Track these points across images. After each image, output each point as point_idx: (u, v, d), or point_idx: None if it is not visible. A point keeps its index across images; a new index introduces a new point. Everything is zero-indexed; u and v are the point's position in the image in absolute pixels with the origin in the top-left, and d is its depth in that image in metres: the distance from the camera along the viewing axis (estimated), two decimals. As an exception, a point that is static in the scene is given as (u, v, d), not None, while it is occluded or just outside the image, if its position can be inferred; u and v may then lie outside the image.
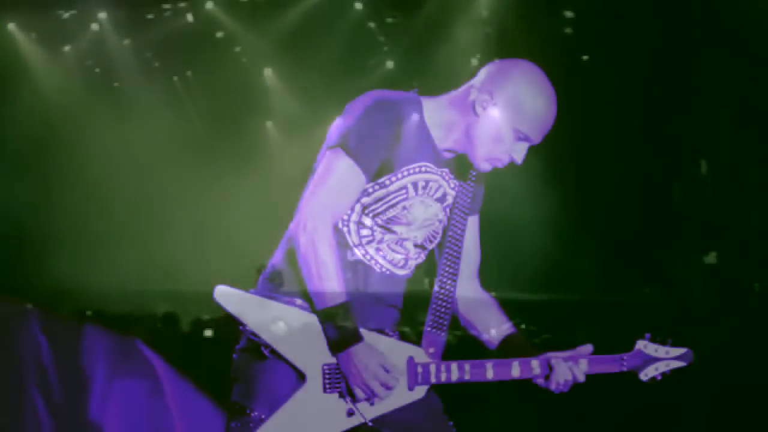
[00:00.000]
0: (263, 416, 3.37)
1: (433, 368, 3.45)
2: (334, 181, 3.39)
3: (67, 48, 15.44)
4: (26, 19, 14.90)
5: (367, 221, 3.49)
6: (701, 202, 12.17)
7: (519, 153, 3.49)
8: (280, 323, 3.37)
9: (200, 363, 7.08)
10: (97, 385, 6.46)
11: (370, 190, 3.46)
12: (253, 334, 3.42)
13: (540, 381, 3.56)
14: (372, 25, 15.05)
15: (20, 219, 14.31)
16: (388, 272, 3.55)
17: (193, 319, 10.74)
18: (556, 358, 3.54)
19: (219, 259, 13.12)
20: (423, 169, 3.50)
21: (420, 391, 3.46)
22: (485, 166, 3.52)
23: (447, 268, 3.61)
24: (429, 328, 3.52)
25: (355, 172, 3.38)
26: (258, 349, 3.42)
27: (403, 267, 3.59)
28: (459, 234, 3.64)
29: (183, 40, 15.17)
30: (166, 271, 14.09)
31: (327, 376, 3.37)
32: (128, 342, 6.85)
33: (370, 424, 3.39)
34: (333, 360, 3.36)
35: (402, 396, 3.42)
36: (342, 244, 3.46)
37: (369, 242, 3.50)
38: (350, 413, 3.38)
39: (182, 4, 15.03)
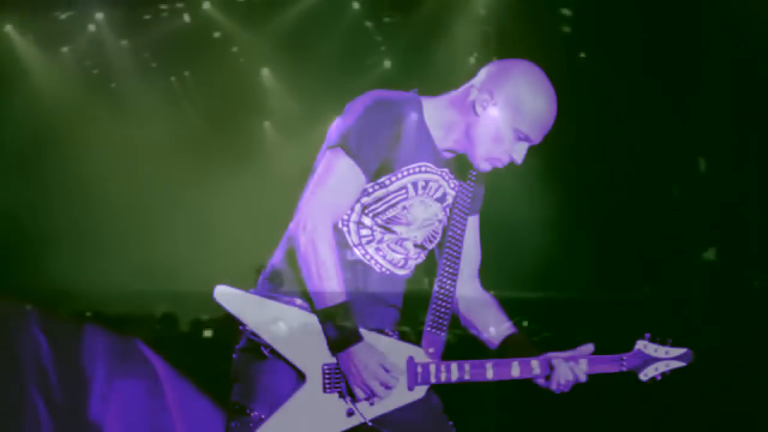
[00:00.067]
0: (263, 416, 3.37)
1: (432, 368, 3.45)
2: (334, 181, 3.39)
3: (64, 49, 15.42)
4: (23, 20, 14.88)
5: (367, 221, 3.49)
6: (700, 200, 12.17)
7: (519, 153, 3.49)
8: (280, 323, 3.37)
9: (200, 363, 7.09)
10: (97, 385, 6.46)
11: (370, 190, 3.46)
12: (253, 334, 3.42)
13: (541, 381, 3.57)
14: (369, 24, 15.05)
15: (19, 219, 14.29)
16: (387, 272, 3.55)
17: (193, 320, 10.74)
18: (557, 358, 3.54)
19: (218, 259, 13.13)
20: (423, 169, 3.50)
21: (420, 391, 3.46)
22: (485, 166, 3.52)
23: (447, 268, 3.61)
24: (429, 328, 3.52)
25: (355, 172, 3.38)
26: (258, 349, 3.42)
27: (402, 267, 3.59)
28: (459, 234, 3.64)
29: (180, 41, 15.16)
30: (165, 272, 14.08)
31: (327, 376, 3.37)
32: (128, 342, 6.85)
33: (370, 424, 3.39)
34: (333, 360, 3.36)
35: (402, 396, 3.42)
36: (342, 244, 3.46)
37: (369, 242, 3.50)
38: (350, 413, 3.38)
39: (179, 5, 15.01)
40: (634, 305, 10.18)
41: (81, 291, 11.99)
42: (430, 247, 3.65)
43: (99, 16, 15.00)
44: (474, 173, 3.63)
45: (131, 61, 15.61)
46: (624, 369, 3.58)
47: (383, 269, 3.54)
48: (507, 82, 3.44)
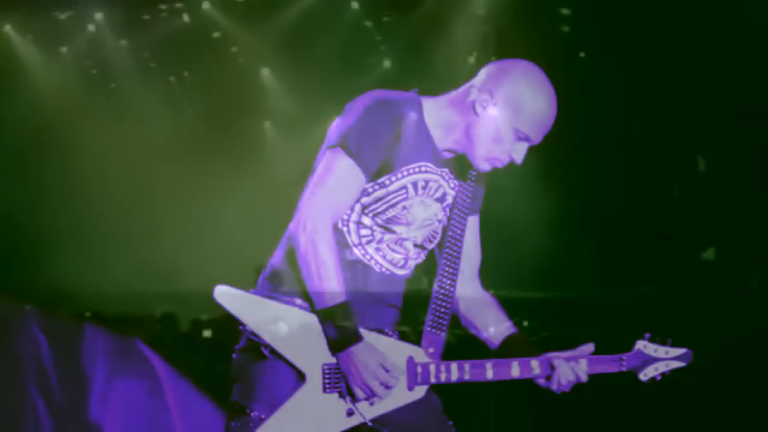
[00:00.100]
0: (263, 416, 3.37)
1: (432, 368, 3.45)
2: (334, 181, 3.39)
3: (63, 49, 15.40)
4: (22, 20, 14.88)
5: (367, 221, 3.49)
6: (699, 199, 12.17)
7: (519, 153, 3.49)
8: (279, 323, 3.37)
9: (199, 363, 7.09)
10: (97, 385, 6.46)
11: (370, 190, 3.46)
12: (253, 334, 3.42)
13: (541, 381, 3.57)
14: (369, 24, 15.04)
15: (18, 219, 14.30)
16: (387, 272, 3.55)
17: (192, 320, 10.74)
18: (557, 358, 3.55)
19: (217, 259, 13.12)
20: (423, 169, 3.50)
21: (420, 391, 3.46)
22: (485, 166, 3.52)
23: (447, 268, 3.61)
24: (429, 328, 3.52)
25: (355, 172, 3.39)
26: (258, 349, 3.42)
27: (402, 267, 3.59)
28: (459, 234, 3.64)
29: (180, 41, 15.15)
30: (165, 272, 14.08)
31: (327, 376, 3.37)
32: (128, 342, 6.85)
33: (370, 423, 3.39)
34: (333, 360, 3.36)
35: (402, 396, 3.43)
36: (342, 244, 3.47)
37: (369, 242, 3.51)
38: (350, 413, 3.38)
39: (178, 5, 15.00)
40: (633, 304, 10.18)
41: (80, 291, 12.00)
42: (430, 247, 3.65)
43: (98, 16, 14.99)
44: (474, 173, 3.63)
45: (130, 61, 15.61)
46: (624, 369, 3.58)
47: (383, 269, 3.54)
48: (507, 81, 3.44)
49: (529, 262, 12.67)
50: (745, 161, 11.48)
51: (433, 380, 3.46)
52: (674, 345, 3.59)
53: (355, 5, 14.70)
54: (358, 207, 3.48)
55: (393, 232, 3.52)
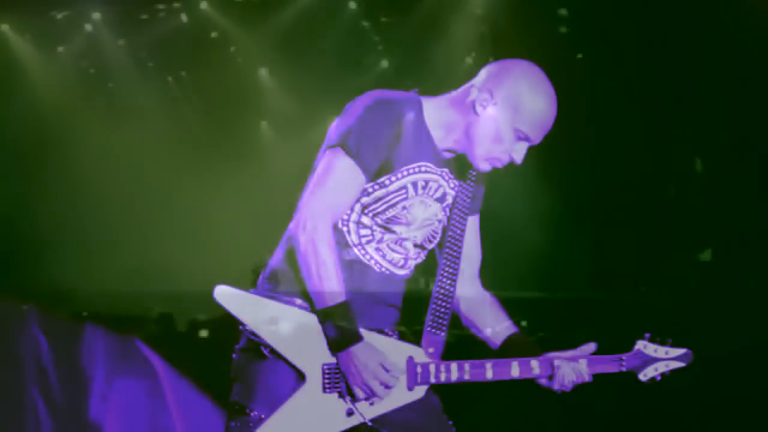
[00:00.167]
0: (263, 416, 3.38)
1: (432, 368, 3.46)
2: (333, 181, 3.39)
3: (61, 49, 15.39)
4: (20, 20, 14.86)
5: (367, 221, 3.50)
6: (696, 200, 12.18)
7: (518, 153, 3.49)
8: (279, 323, 3.37)
9: (198, 363, 7.09)
10: (97, 385, 6.47)
11: (370, 190, 3.46)
12: (253, 333, 3.42)
13: (543, 381, 3.58)
14: (366, 24, 15.04)
15: (15, 220, 14.29)
16: (387, 272, 3.55)
17: (190, 320, 10.74)
18: (557, 358, 3.55)
19: (215, 259, 13.11)
20: (423, 169, 3.51)
21: (419, 391, 3.46)
22: (484, 166, 3.52)
23: (447, 268, 3.61)
24: (429, 328, 3.52)
25: (355, 171, 3.39)
26: (258, 349, 3.43)
27: (402, 267, 3.59)
28: (459, 234, 3.65)
29: (177, 41, 15.14)
30: (163, 272, 14.08)
31: (327, 376, 3.37)
32: (128, 342, 6.86)
33: (370, 423, 3.39)
34: (333, 360, 3.36)
35: (401, 396, 3.43)
36: (342, 244, 3.47)
37: (368, 242, 3.51)
38: (350, 413, 3.38)
39: (176, 5, 14.99)
40: (631, 305, 10.18)
41: (79, 291, 11.98)
42: (430, 247, 3.65)
43: (96, 15, 14.98)
44: (474, 173, 3.63)
45: (128, 61, 15.60)
46: (623, 369, 3.59)
47: (383, 269, 3.54)
48: (507, 81, 3.44)
49: (527, 262, 12.66)
50: (743, 162, 11.49)
51: (432, 380, 3.46)
52: (674, 345, 3.60)
53: (352, 5, 14.70)
54: (358, 207, 3.48)
55: (393, 232, 3.52)
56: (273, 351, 3.39)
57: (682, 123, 12.08)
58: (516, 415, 7.56)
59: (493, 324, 3.70)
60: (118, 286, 13.00)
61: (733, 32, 10.84)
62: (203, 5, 14.94)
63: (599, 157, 12.85)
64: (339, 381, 3.37)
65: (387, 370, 3.34)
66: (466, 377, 3.47)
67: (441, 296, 3.57)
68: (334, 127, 3.47)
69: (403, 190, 3.48)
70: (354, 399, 3.37)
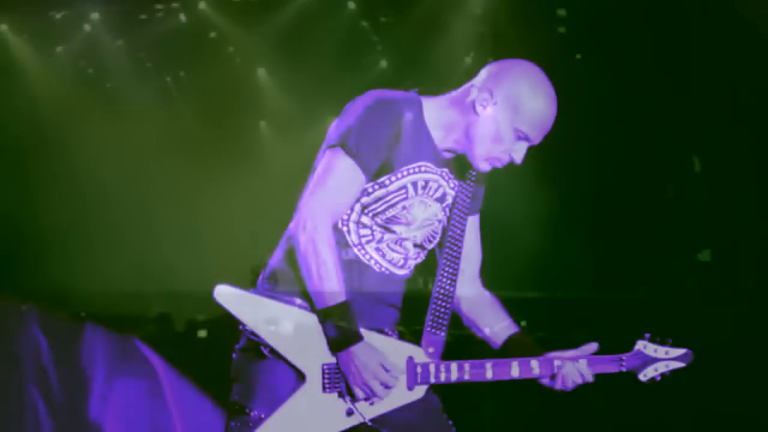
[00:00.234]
0: (263, 416, 3.38)
1: (432, 368, 3.46)
2: (334, 181, 3.39)
3: (59, 49, 15.38)
4: (19, 20, 14.85)
5: (367, 221, 3.50)
6: (695, 200, 12.17)
7: (518, 153, 3.49)
8: (279, 323, 3.38)
9: (198, 363, 7.10)
10: (97, 385, 6.48)
11: (370, 190, 3.46)
12: (253, 333, 3.42)
13: (545, 381, 3.58)
14: (365, 24, 15.04)
15: (14, 220, 14.28)
16: (387, 272, 3.55)
17: (190, 320, 10.74)
18: (558, 358, 3.55)
19: (214, 259, 13.12)
20: (423, 168, 3.51)
21: (419, 391, 3.46)
22: (484, 166, 3.52)
23: (447, 268, 3.61)
24: (428, 328, 3.52)
25: (355, 171, 3.39)
26: (257, 349, 3.43)
27: (402, 267, 3.60)
28: (459, 234, 3.65)
29: (176, 41, 15.12)
30: (161, 272, 14.06)
31: (326, 376, 3.37)
32: (128, 342, 6.87)
33: (370, 423, 3.39)
34: (333, 360, 3.36)
35: (401, 396, 3.43)
36: (342, 244, 3.47)
37: (368, 242, 3.51)
38: (349, 413, 3.39)
39: (175, 5, 14.98)
40: (630, 304, 10.17)
41: (78, 291, 11.98)
42: (430, 247, 3.65)
43: (94, 15, 14.96)
44: (474, 173, 3.64)
45: (127, 61, 15.58)
46: (623, 369, 3.58)
47: (383, 269, 3.54)
48: (507, 81, 3.44)
49: (524, 261, 12.65)
50: (742, 162, 11.48)
51: (432, 380, 3.46)
52: (674, 345, 3.60)
53: (351, 5, 14.70)
54: (357, 207, 3.48)
55: (393, 231, 3.52)
56: (273, 351, 3.39)
57: (681, 122, 12.08)
58: (516, 415, 7.57)
59: (494, 324, 3.70)
60: (118, 286, 12.98)
61: (732, 31, 10.83)
62: (202, 5, 14.94)
63: (598, 157, 12.85)
64: (339, 381, 3.37)
65: (387, 370, 3.34)
66: (466, 377, 3.47)
67: (441, 296, 3.57)
68: (334, 127, 3.47)
69: (403, 190, 3.48)
70: (354, 399, 3.37)
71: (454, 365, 3.46)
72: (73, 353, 6.56)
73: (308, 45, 14.58)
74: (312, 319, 3.38)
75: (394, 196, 3.47)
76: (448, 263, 3.62)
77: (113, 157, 14.99)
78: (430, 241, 3.63)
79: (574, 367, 3.53)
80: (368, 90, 3.53)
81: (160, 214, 15.06)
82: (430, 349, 3.49)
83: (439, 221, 3.63)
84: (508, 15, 12.92)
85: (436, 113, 3.53)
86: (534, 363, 3.53)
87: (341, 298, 3.33)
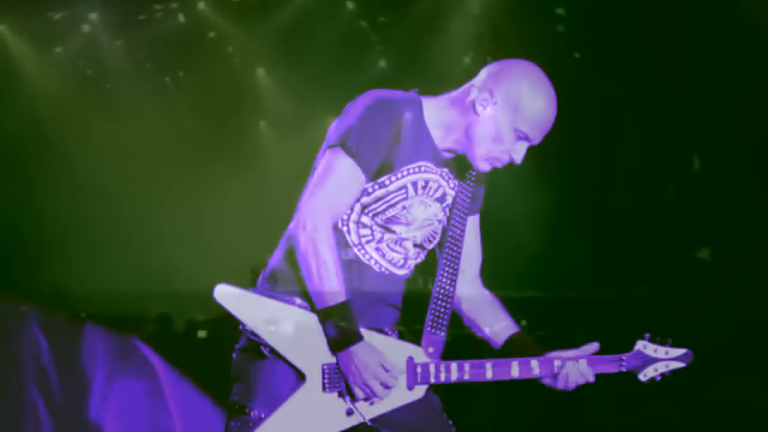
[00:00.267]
0: (263, 415, 3.38)
1: (432, 368, 3.46)
2: (334, 181, 3.39)
3: (58, 49, 15.37)
4: (17, 20, 14.84)
5: (367, 221, 3.50)
6: (694, 199, 12.18)
7: (518, 153, 3.49)
8: (279, 323, 3.38)
9: (198, 363, 7.10)
10: (97, 385, 6.48)
11: (370, 190, 3.46)
12: (253, 333, 3.42)
13: (547, 381, 3.57)
14: (364, 24, 15.04)
15: (14, 220, 14.28)
16: (387, 272, 3.55)
17: (190, 320, 10.74)
18: (558, 358, 3.54)
19: (213, 259, 13.12)
20: (423, 168, 3.51)
21: (419, 391, 3.46)
22: (484, 166, 3.52)
23: (447, 268, 3.61)
24: (428, 328, 3.52)
25: (356, 171, 3.39)
26: (257, 349, 3.43)
27: (402, 267, 3.59)
28: (458, 234, 3.65)
29: (175, 41, 15.12)
30: (160, 272, 14.06)
31: (326, 376, 3.37)
32: (128, 342, 6.87)
33: (369, 423, 3.39)
34: (332, 359, 3.36)
35: (401, 396, 3.43)
36: (341, 244, 3.47)
37: (368, 242, 3.51)
38: (349, 413, 3.39)
39: (174, 5, 14.98)
40: (629, 304, 10.18)
41: (78, 291, 11.98)
42: (430, 247, 3.65)
43: (93, 16, 14.96)
44: (474, 173, 3.64)
45: (126, 62, 15.57)
46: (623, 369, 3.57)
47: (383, 269, 3.54)
48: (507, 81, 3.44)
49: (524, 261, 12.65)
50: (741, 160, 11.49)
51: (432, 380, 3.45)
52: (674, 345, 3.59)
53: (350, 5, 14.71)
54: (357, 207, 3.48)
55: (392, 231, 3.52)
56: (273, 351, 3.39)
57: (680, 121, 12.08)
58: (516, 415, 7.57)
59: (495, 323, 3.69)
60: (118, 286, 12.99)
61: (731, 30, 10.84)
62: (201, 5, 14.94)
63: (597, 157, 12.85)
64: (339, 381, 3.37)
65: (387, 370, 3.34)
66: (466, 377, 3.46)
67: (441, 296, 3.57)
68: (334, 127, 3.48)
69: (403, 190, 3.48)
70: (354, 399, 3.37)
71: (454, 365, 3.46)
72: (73, 353, 6.56)
73: (307, 45, 14.59)
74: (312, 319, 3.38)
75: (394, 196, 3.47)
76: (448, 263, 3.62)
77: (113, 158, 14.98)
78: (430, 241, 3.63)
79: (575, 367, 3.53)
80: (367, 90, 3.54)
81: (160, 214, 15.05)
82: (430, 349, 3.49)
83: (439, 221, 3.63)
84: (506, 14, 12.93)
85: (436, 113, 3.52)
86: (534, 363, 3.52)
87: (341, 298, 3.33)
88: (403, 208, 3.50)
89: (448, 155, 3.57)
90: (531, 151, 3.54)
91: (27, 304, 6.70)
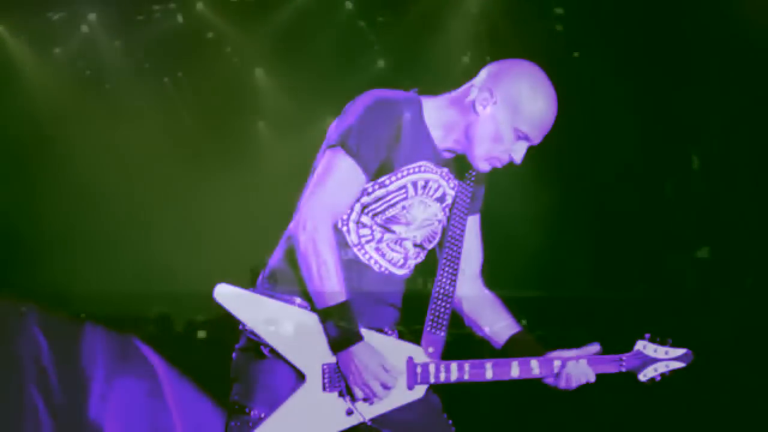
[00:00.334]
0: (263, 415, 3.38)
1: (432, 368, 3.45)
2: (334, 181, 3.39)
3: (57, 50, 15.38)
4: (16, 21, 14.84)
5: (366, 220, 3.50)
6: (693, 198, 12.20)
7: (518, 152, 3.49)
8: (279, 322, 3.38)
9: (197, 363, 7.10)
10: (97, 385, 6.48)
11: (370, 190, 3.46)
12: (253, 333, 3.42)
13: (549, 380, 3.56)
14: (362, 24, 15.04)
15: (14, 220, 14.28)
16: (387, 272, 3.55)
17: (190, 320, 10.74)
18: (559, 357, 3.54)
19: (213, 259, 13.12)
20: (422, 168, 3.50)
21: (419, 391, 3.46)
22: (484, 166, 3.51)
23: (447, 268, 3.61)
24: (428, 328, 3.52)
25: (356, 171, 3.39)
26: (257, 349, 3.43)
27: (402, 266, 3.59)
28: (458, 234, 3.64)
29: (173, 41, 15.12)
30: (161, 273, 14.07)
31: (326, 376, 3.37)
32: (128, 342, 6.87)
33: (369, 423, 3.39)
34: (332, 359, 3.36)
35: (401, 395, 3.43)
36: (341, 244, 3.46)
37: (368, 242, 3.51)
38: (349, 413, 3.39)
39: (172, 5, 14.98)
40: (629, 303, 10.18)
41: (78, 291, 11.98)
42: (430, 246, 3.65)
43: (92, 16, 14.96)
44: (473, 173, 3.63)
45: (125, 62, 15.57)
46: (623, 370, 3.56)
47: (382, 269, 3.54)
48: (507, 80, 3.44)
49: (524, 260, 12.66)
50: (740, 160, 11.50)
51: (432, 380, 3.45)
52: (674, 345, 3.59)
53: (348, 5, 14.71)
54: (357, 207, 3.48)
55: (392, 231, 3.52)
56: (273, 350, 3.39)
57: (679, 120, 12.10)
58: (516, 415, 7.57)
59: (495, 323, 3.69)
60: (118, 286, 12.99)
61: (730, 29, 10.85)
62: (199, 6, 14.94)
63: (596, 156, 12.86)
64: (339, 380, 3.37)
65: (387, 370, 3.34)
66: (466, 377, 3.46)
67: (441, 296, 3.57)
68: (334, 127, 3.47)
69: (403, 190, 3.48)
70: (353, 398, 3.37)
71: (454, 365, 3.46)
72: (73, 353, 6.56)
73: (306, 45, 14.59)
74: (312, 319, 3.38)
75: (394, 196, 3.47)
76: (447, 263, 3.62)
77: (112, 158, 15.00)
78: (430, 241, 3.63)
79: (576, 367, 3.52)
80: (366, 89, 3.53)
81: (160, 214, 15.06)
82: (430, 349, 3.49)
83: (439, 221, 3.63)
84: (505, 14, 12.94)
85: (436, 113, 3.52)
86: (534, 363, 3.52)
87: (341, 298, 3.32)
88: (403, 208, 3.50)
89: (448, 155, 3.56)
90: (531, 151, 3.54)
91: (27, 304, 6.70)
